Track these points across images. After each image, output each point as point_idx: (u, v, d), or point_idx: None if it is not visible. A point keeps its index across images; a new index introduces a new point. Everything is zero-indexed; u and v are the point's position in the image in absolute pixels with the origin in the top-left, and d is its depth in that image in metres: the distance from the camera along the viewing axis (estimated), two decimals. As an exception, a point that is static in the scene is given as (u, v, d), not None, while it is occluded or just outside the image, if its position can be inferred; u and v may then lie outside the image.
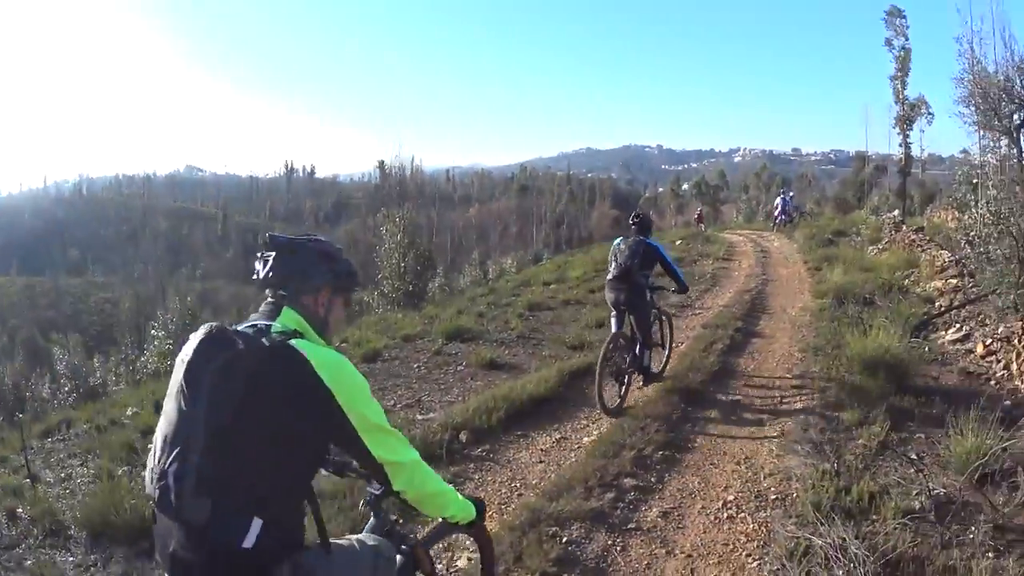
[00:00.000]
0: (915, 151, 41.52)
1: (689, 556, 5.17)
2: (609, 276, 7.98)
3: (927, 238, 18.47)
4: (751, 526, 5.58)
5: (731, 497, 6.04)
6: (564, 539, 5.15)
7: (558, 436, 7.36)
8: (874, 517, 5.45)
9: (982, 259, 12.46)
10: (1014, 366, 8.71)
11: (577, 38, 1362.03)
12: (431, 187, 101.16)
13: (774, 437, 7.26)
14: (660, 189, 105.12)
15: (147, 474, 2.20)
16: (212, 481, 2.08)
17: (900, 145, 40.60)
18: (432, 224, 66.92)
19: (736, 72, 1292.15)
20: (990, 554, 4.95)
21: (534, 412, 7.87)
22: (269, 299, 2.51)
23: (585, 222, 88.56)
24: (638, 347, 8.05)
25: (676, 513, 5.79)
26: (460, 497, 2.73)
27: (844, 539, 4.95)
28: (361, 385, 2.37)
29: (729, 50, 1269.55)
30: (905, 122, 40.08)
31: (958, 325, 10.86)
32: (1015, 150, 19.86)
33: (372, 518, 2.88)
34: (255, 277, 2.52)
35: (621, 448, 6.64)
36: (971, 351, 9.75)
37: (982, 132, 21.96)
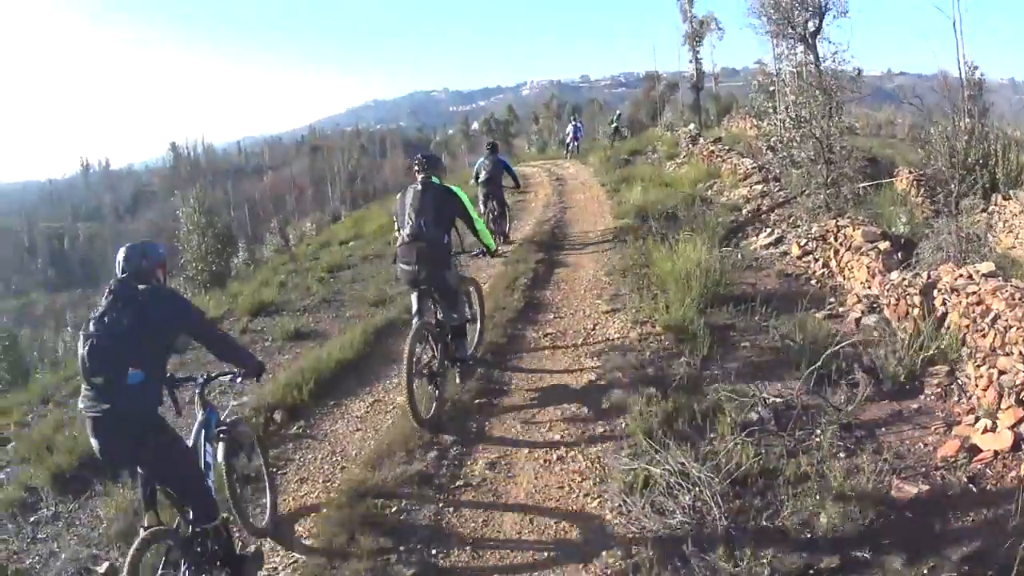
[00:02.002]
0: (707, 66, 43.70)
1: (524, 505, 5.08)
2: (482, 179, 13.20)
3: (726, 148, 19.46)
4: (583, 464, 5.50)
5: (557, 437, 5.96)
6: (394, 509, 5.11)
7: (371, 399, 7.35)
8: (712, 436, 5.45)
9: (786, 163, 13.17)
10: (833, 263, 9.17)
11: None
12: (224, 162, 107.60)
13: (592, 367, 7.24)
14: (450, 131, 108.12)
15: (405, 229, 6.45)
16: (427, 222, 6.37)
17: (691, 61, 42.44)
18: (228, 199, 75.74)
19: (513, 4, 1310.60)
20: (841, 455, 5.07)
21: (344, 377, 7.89)
22: (421, 177, 6.55)
23: (379, 174, 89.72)
24: (502, 209, 13.68)
25: (504, 462, 5.70)
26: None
27: (683, 464, 4.88)
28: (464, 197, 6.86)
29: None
30: (695, 39, 41.84)
31: (769, 229, 11.40)
32: (811, 56, 21.28)
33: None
34: (416, 170, 6.62)
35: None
36: (786, 253, 10.25)
37: (776, 41, 23.45)
